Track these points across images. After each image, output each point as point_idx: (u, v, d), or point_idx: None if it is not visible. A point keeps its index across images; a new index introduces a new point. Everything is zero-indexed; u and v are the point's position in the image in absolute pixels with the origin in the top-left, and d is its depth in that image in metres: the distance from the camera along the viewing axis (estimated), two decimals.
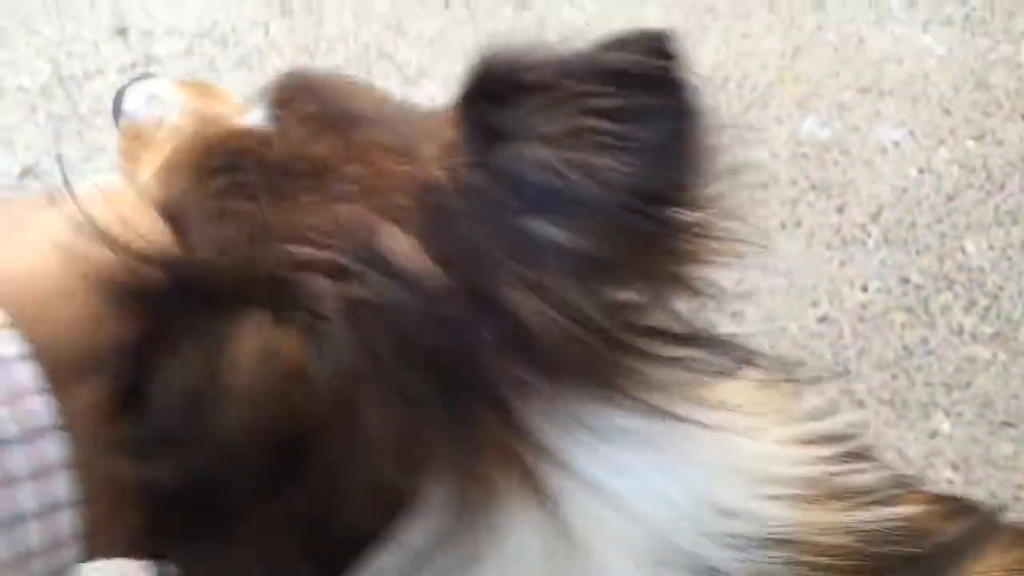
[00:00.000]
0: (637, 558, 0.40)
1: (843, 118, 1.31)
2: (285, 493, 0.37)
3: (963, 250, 1.19)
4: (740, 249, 0.46)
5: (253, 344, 0.36)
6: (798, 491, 0.43)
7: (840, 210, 1.22)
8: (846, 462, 0.45)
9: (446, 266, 0.38)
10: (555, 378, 0.39)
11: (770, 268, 1.16)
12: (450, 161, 0.42)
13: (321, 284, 0.37)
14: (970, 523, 0.47)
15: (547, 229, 0.40)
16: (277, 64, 1.33)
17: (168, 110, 0.51)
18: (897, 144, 1.28)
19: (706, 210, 0.45)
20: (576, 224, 0.40)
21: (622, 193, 0.42)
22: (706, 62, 1.36)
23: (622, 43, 0.45)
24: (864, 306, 1.14)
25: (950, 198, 1.23)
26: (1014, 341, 1.11)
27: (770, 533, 0.41)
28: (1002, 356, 1.10)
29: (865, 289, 1.15)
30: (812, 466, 0.44)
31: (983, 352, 1.10)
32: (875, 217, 1.21)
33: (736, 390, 0.45)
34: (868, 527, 0.43)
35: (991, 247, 1.19)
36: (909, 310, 1.13)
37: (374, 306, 0.37)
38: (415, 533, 0.38)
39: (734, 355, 0.44)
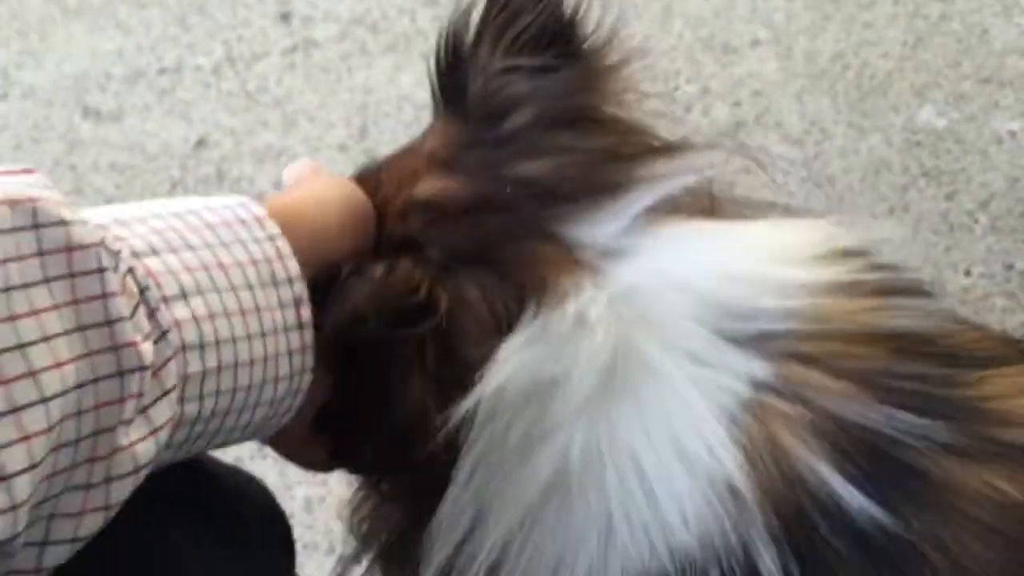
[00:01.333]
0: (693, 320, 0.53)
1: (960, 108, 1.34)
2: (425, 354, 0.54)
3: None
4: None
5: (387, 280, 0.54)
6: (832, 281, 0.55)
7: (950, 197, 1.26)
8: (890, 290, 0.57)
9: (473, 182, 0.57)
10: (566, 203, 0.56)
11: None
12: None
13: (414, 230, 0.57)
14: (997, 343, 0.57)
15: (519, 119, 0.59)
16: (422, 49, 1.46)
17: None
18: (1013, 135, 1.31)
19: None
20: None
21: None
22: (826, 50, 1.41)
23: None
24: (966, 290, 1.18)
25: None
26: None
27: (795, 309, 0.54)
28: None
29: (968, 274, 1.20)
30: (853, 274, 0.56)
31: None
32: (984, 205, 1.25)
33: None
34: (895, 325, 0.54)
35: None
36: (1011, 295, 1.18)
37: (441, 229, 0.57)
38: (520, 339, 0.53)
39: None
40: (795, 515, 0.49)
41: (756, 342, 0.53)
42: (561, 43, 0.62)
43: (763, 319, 0.53)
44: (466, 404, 0.52)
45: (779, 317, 0.53)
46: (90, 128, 1.39)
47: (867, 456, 0.50)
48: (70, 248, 0.38)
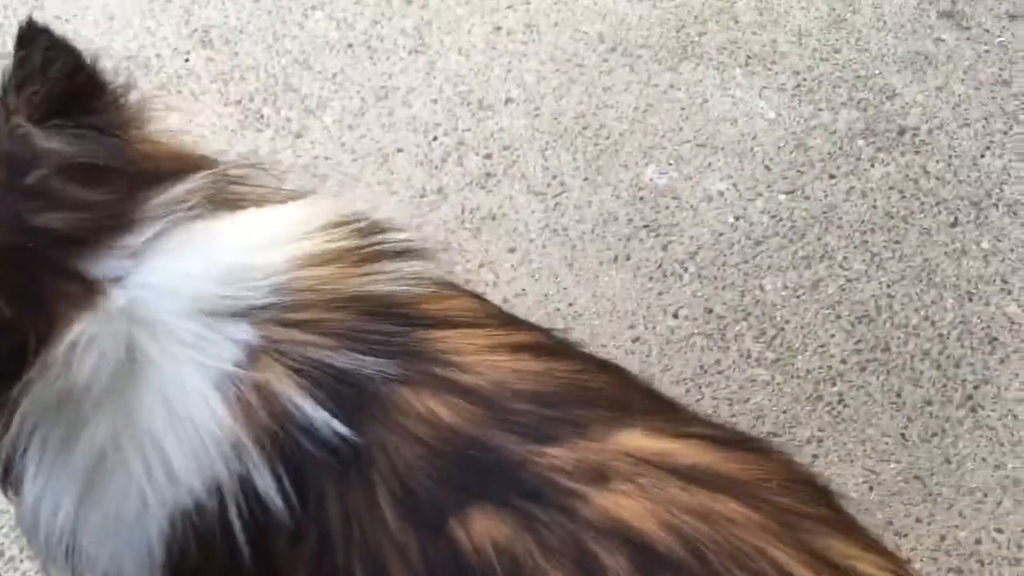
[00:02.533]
0: (185, 313, 0.68)
1: (680, 168, 1.54)
2: None
3: (762, 287, 1.42)
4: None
5: None
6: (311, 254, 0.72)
7: (665, 248, 1.45)
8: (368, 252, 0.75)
9: (4, 232, 0.68)
10: (85, 246, 0.68)
11: (598, 294, 1.39)
12: None
13: None
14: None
15: (38, 174, 0.70)
16: (194, 88, 1.52)
17: None
18: (721, 194, 1.52)
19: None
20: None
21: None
22: (569, 110, 1.58)
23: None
24: (672, 331, 1.37)
25: (758, 243, 1.47)
26: (791, 366, 1.35)
27: (278, 283, 0.70)
28: (779, 378, 1.34)
29: (676, 316, 1.38)
30: (330, 243, 0.73)
31: (763, 374, 1.34)
32: (693, 256, 1.44)
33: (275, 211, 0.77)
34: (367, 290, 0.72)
35: (785, 287, 1.43)
36: (709, 336, 1.37)
37: None
38: (33, 372, 0.68)
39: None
40: (282, 438, 0.68)
41: (244, 316, 0.70)
42: (79, 103, 0.73)
43: (248, 297, 0.70)
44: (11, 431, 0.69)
45: (263, 293, 0.70)
46: None
47: (335, 387, 0.69)
48: None
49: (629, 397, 0.74)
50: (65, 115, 0.72)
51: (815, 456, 1.27)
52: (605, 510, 0.62)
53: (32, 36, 0.73)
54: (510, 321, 0.79)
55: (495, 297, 1.36)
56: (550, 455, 0.65)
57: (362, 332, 0.70)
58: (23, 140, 0.71)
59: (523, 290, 1.38)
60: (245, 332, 0.69)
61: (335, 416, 0.67)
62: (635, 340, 1.35)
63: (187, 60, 1.55)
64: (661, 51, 1.67)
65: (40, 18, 1.55)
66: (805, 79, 1.67)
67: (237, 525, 0.68)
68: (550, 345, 0.77)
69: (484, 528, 0.63)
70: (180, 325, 0.69)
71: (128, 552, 0.72)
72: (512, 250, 1.42)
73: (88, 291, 0.68)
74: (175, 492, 0.69)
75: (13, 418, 0.68)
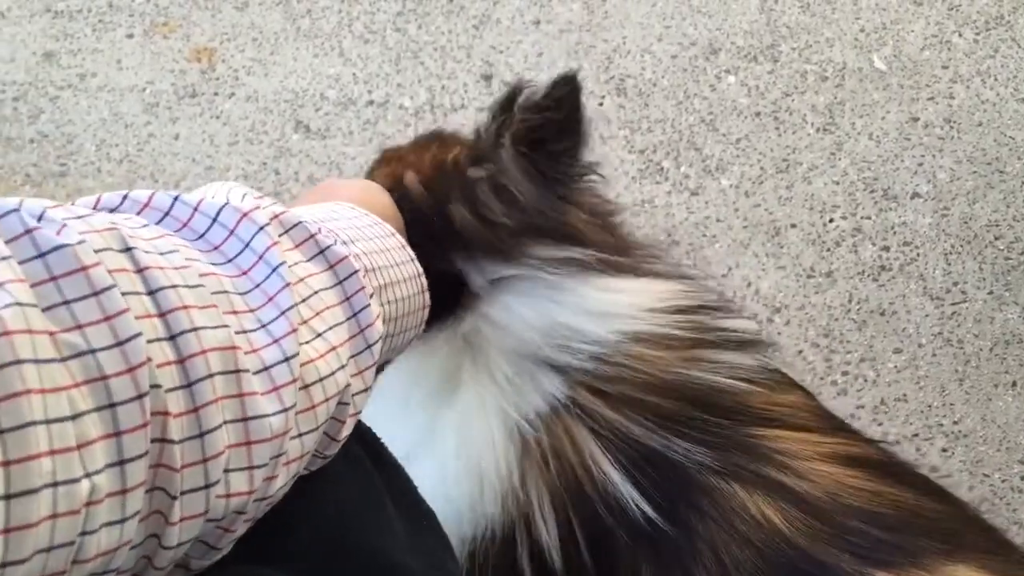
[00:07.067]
0: (507, 351, 0.72)
1: None
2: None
3: None
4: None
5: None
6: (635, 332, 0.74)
7: None
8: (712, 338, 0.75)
9: (431, 197, 0.78)
10: (465, 250, 0.75)
11: (988, 419, 1.27)
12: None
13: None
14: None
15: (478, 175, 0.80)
16: (603, 132, 1.58)
17: None
18: None
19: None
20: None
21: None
22: (982, 217, 1.47)
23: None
24: None
25: None
26: None
27: (602, 352, 0.71)
28: None
29: None
30: (662, 327, 0.74)
31: None
32: None
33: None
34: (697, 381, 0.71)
35: None
36: None
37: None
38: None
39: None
40: (575, 499, 0.68)
41: (560, 372, 0.72)
42: (550, 149, 0.80)
43: (568, 356, 0.73)
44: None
45: (584, 357, 0.73)
46: (298, 140, 1.54)
47: (644, 465, 0.68)
48: (338, 262, 0.53)
49: (963, 531, 0.69)
50: (534, 149, 0.80)
51: None
52: None
53: (564, 82, 0.81)
54: (840, 427, 0.75)
55: (873, 396, 1.28)
56: None
57: (680, 417, 0.70)
58: (494, 144, 0.80)
59: (904, 395, 1.29)
60: (556, 386, 0.72)
61: (645, 496, 0.67)
62: None
63: (600, 104, 1.61)
64: None
65: (476, 47, 1.68)
66: None
67: (525, 563, 0.70)
68: (884, 463, 0.73)
69: None
70: (498, 363, 0.73)
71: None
72: (898, 351, 1.34)
73: (468, 285, 0.75)
74: (463, 519, 0.72)
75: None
